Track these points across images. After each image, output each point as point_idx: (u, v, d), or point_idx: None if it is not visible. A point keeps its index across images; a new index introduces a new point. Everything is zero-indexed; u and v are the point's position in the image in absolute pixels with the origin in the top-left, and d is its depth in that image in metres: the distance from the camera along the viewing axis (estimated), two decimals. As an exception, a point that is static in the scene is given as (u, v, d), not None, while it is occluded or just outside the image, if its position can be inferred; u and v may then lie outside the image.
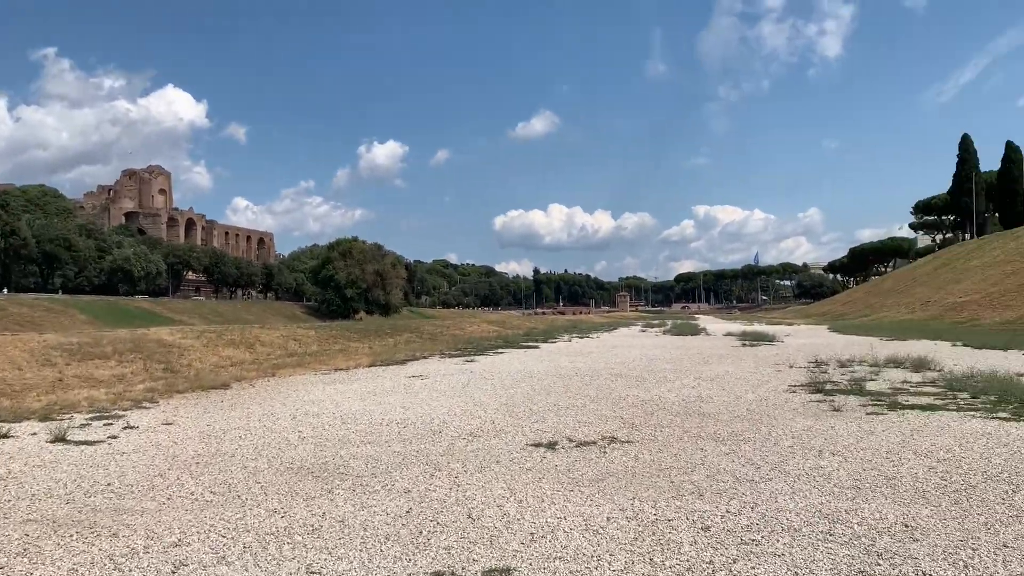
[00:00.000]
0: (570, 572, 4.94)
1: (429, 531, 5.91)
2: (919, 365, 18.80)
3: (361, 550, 5.52)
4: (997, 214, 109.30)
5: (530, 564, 5.10)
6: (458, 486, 7.32)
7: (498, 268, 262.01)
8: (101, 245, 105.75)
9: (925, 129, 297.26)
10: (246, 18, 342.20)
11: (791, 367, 19.99)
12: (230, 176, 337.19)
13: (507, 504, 6.60)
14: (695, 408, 12.31)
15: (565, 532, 5.76)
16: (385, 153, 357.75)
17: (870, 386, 14.73)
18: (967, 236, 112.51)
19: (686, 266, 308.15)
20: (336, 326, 37.17)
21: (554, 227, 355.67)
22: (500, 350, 29.11)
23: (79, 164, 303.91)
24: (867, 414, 11.29)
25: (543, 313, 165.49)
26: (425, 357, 25.05)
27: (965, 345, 28.87)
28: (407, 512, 6.46)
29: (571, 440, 9.61)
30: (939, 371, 17.78)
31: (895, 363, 19.70)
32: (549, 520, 6.08)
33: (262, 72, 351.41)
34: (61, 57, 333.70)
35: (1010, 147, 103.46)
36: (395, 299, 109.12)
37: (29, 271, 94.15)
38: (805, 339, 37.82)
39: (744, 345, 31.52)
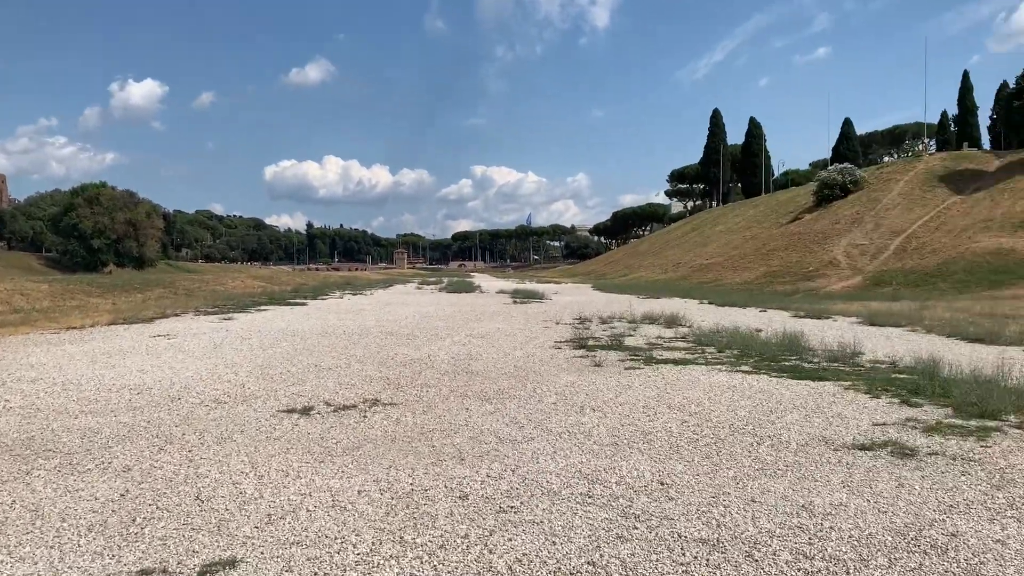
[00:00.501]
0: (307, 559, 4.31)
1: (145, 518, 5.00)
2: (671, 321, 19.99)
3: (53, 546, 4.53)
4: (740, 184, 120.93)
5: (261, 553, 4.40)
6: (190, 462, 6.39)
7: (268, 221, 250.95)
8: None
9: (682, 103, 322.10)
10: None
11: (558, 324, 20.48)
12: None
13: (245, 481, 5.81)
14: (464, 366, 12.04)
15: (308, 511, 5.11)
16: (141, 92, 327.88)
17: (628, 342, 15.32)
18: (714, 203, 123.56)
19: (463, 225, 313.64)
20: (76, 279, 33.18)
21: (329, 180, 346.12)
22: (264, 307, 27.40)
23: None
24: (625, 369, 11.60)
25: (316, 269, 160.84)
26: (177, 315, 22.90)
27: (711, 303, 31.41)
28: (121, 495, 5.48)
29: (329, 404, 8.90)
30: (689, 327, 18.99)
31: (651, 320, 20.82)
32: (292, 497, 5.39)
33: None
34: None
35: (752, 123, 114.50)
36: (150, 252, 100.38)
37: None
38: (571, 297, 39.40)
39: (515, 303, 32.15)
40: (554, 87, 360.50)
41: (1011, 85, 70.08)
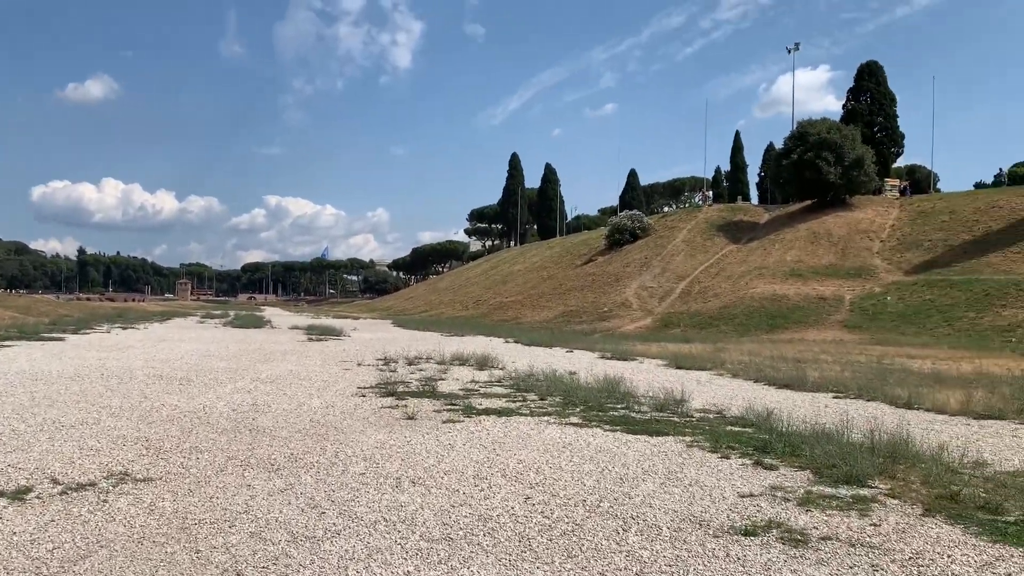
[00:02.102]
0: None
1: None
2: (483, 363, 18.80)
3: None
4: (536, 225, 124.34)
5: None
6: None
7: (33, 245, 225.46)
8: None
9: (482, 146, 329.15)
10: None
11: (359, 365, 18.62)
12: None
13: None
14: (248, 421, 9.96)
15: None
16: None
17: (442, 387, 13.85)
18: (512, 243, 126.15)
19: (255, 256, 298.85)
20: None
21: (107, 203, 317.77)
22: (8, 343, 23.09)
23: None
24: (443, 422, 10.09)
25: (87, 299, 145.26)
26: None
27: (517, 341, 30.75)
28: None
29: (57, 483, 6.60)
30: (502, 369, 17.89)
31: (461, 360, 19.52)
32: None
33: None
34: None
35: (548, 168, 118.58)
36: None
37: None
38: (372, 333, 37.39)
39: (311, 340, 29.71)
40: (355, 122, 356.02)
41: (778, 146, 77.23)
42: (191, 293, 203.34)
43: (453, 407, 11.41)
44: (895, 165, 69.67)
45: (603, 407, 11.46)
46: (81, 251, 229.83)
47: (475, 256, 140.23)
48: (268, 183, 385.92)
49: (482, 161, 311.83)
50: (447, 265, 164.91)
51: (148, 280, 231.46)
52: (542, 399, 12.42)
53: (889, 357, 23.07)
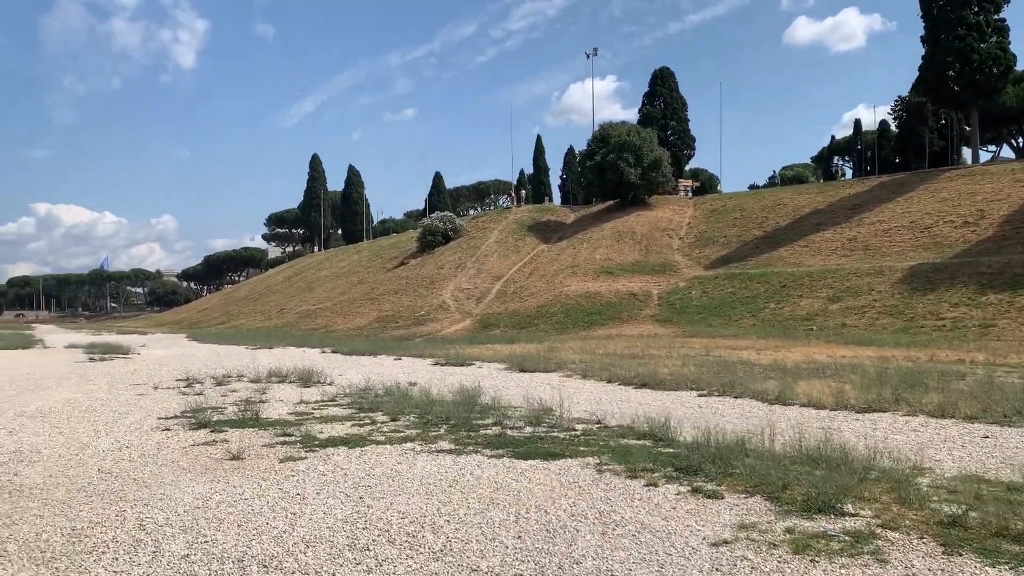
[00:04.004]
0: None
1: None
2: (307, 378, 16.49)
3: None
4: (340, 230, 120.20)
5: None
6: None
7: None
8: None
9: (276, 149, 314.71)
10: None
11: (156, 388, 15.65)
12: None
13: None
14: (6, 478, 7.23)
15: None
16: None
17: (266, 411, 11.51)
18: (316, 248, 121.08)
19: (23, 269, 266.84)
20: None
21: None
22: None
23: None
24: (281, 461, 7.94)
25: None
26: None
27: (335, 352, 28.32)
28: None
29: None
30: (331, 383, 15.74)
31: (279, 377, 17.07)
32: None
33: None
34: None
35: (352, 170, 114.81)
36: None
37: None
38: (165, 350, 33.26)
39: (92, 360, 25.56)
40: (134, 124, 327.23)
41: (577, 150, 79.09)
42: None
43: (288, 438, 9.24)
44: (687, 166, 73.56)
45: (470, 425, 9.76)
46: None
47: (275, 263, 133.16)
48: (36, 189, 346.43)
49: (278, 165, 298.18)
50: (244, 273, 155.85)
51: None
52: (393, 419, 10.50)
53: (713, 349, 23.22)
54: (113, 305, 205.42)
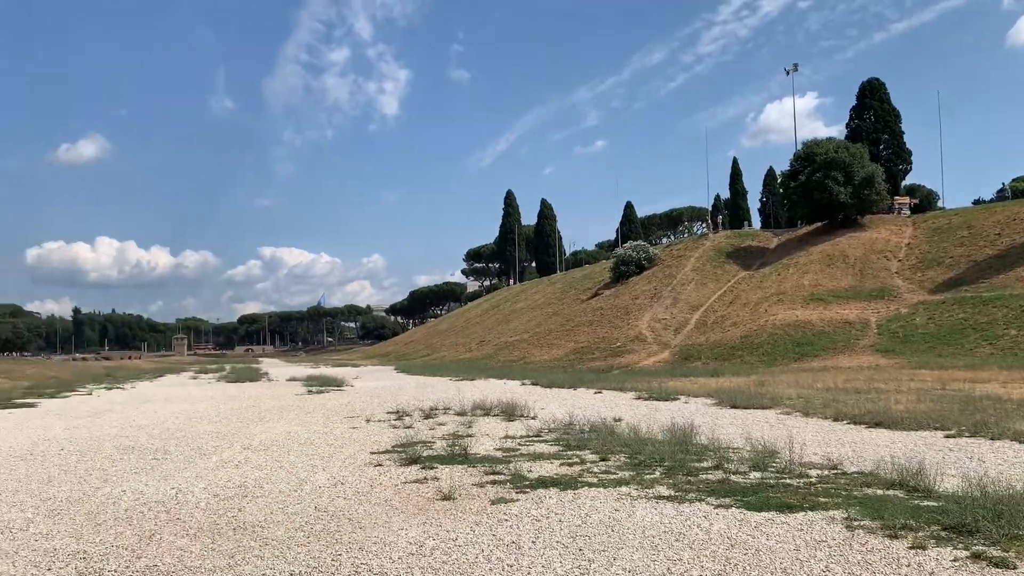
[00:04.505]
0: None
1: None
2: (510, 412, 16.32)
3: None
4: (534, 263, 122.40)
5: None
6: None
7: (29, 307, 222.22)
8: None
9: (473, 188, 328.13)
10: None
11: (368, 421, 16.11)
12: None
13: None
14: (232, 513, 7.43)
15: None
16: None
17: (473, 446, 11.35)
18: (511, 281, 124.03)
19: (251, 307, 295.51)
20: None
21: (102, 262, 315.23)
22: (-33, 413, 20.51)
23: None
24: (492, 502, 7.61)
25: (83, 358, 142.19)
26: None
27: (534, 384, 28.29)
28: None
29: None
30: (533, 418, 15.45)
31: (483, 409, 17.05)
32: None
33: None
34: None
35: (544, 204, 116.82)
36: None
37: None
38: (376, 382, 34.88)
39: (310, 392, 27.17)
40: (345, 171, 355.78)
41: (778, 171, 75.33)
42: (188, 348, 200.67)
43: (497, 477, 8.94)
44: (904, 183, 67.76)
45: (687, 467, 8.98)
46: (76, 311, 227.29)
47: (474, 296, 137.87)
48: (262, 235, 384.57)
49: (475, 202, 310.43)
50: (446, 307, 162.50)
51: (144, 337, 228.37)
52: (603, 459, 9.92)
53: (949, 382, 20.71)
54: (329, 339, 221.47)
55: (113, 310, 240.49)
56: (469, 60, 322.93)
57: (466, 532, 6.47)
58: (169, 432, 14.90)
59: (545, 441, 11.97)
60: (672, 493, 7.71)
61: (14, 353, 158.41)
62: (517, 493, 8.04)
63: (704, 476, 8.52)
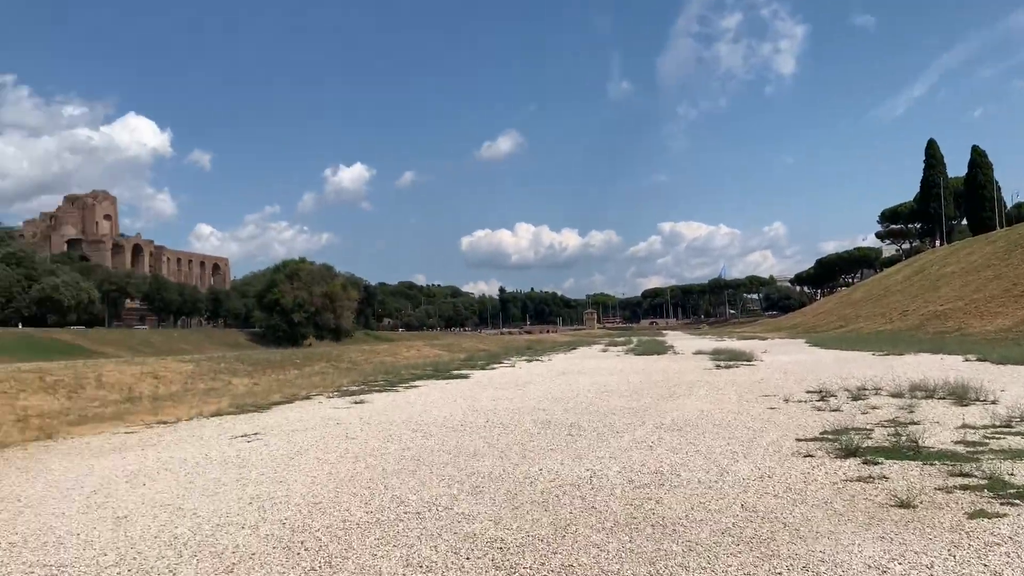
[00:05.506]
0: None
1: None
2: (960, 394, 13.60)
3: None
4: (965, 220, 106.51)
5: None
6: None
7: (465, 288, 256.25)
8: (31, 274, 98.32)
9: (883, 142, 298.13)
10: (210, 45, 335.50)
11: (786, 401, 14.66)
12: (193, 202, 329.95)
13: None
14: (649, 505, 6.78)
15: None
16: (351, 176, 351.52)
17: (925, 438, 9.37)
18: (937, 243, 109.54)
19: (653, 282, 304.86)
20: (234, 357, 31.31)
21: (521, 246, 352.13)
22: (418, 382, 23.39)
23: (39, 194, 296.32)
24: (969, 516, 5.92)
25: (510, 333, 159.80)
26: (308, 397, 19.22)
27: (980, 359, 23.94)
28: None
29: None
30: (994, 402, 12.64)
31: (924, 391, 14.51)
32: None
33: (226, 97, 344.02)
34: (20, 85, 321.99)
35: (976, 151, 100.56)
36: (346, 323, 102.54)
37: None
38: (786, 356, 32.73)
39: (718, 367, 26.24)
40: (740, 138, 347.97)
41: None
42: (597, 322, 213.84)
43: (967, 480, 7.08)
44: None
45: None
46: (502, 290, 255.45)
47: (890, 262, 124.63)
48: (661, 210, 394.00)
49: (886, 158, 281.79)
50: (857, 275, 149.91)
51: (559, 312, 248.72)
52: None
53: None
54: (731, 311, 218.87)
55: (532, 288, 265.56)
56: (874, 3, 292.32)
57: (943, 558, 4.98)
58: (582, 406, 15.11)
59: (1020, 434, 9.51)
60: None
61: (455, 329, 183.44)
62: (1001, 504, 6.20)
63: None
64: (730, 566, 5.01)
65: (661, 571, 4.95)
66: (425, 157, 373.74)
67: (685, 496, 7.05)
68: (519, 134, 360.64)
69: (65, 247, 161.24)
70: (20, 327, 78.13)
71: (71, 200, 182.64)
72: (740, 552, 5.29)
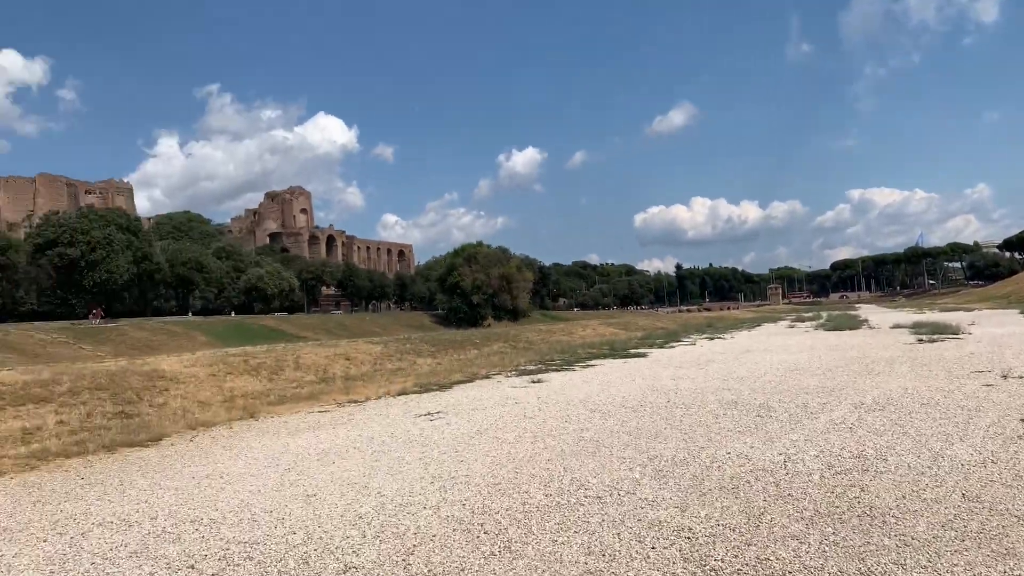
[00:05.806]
0: None
1: None
2: None
3: None
4: None
5: None
6: None
7: (640, 266, 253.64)
8: (238, 265, 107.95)
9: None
10: (384, 45, 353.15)
11: (1004, 377, 13.14)
12: (379, 194, 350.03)
13: None
14: (853, 493, 6.16)
15: None
16: (524, 160, 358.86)
17: None
18: None
19: (842, 253, 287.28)
20: (419, 338, 32.55)
21: (697, 221, 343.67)
22: (595, 361, 23.20)
23: (244, 192, 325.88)
24: None
25: (688, 310, 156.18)
26: (487, 376, 19.57)
27: None
28: None
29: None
30: None
31: None
32: None
33: (403, 94, 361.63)
34: (224, 93, 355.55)
35: None
36: (522, 303, 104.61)
37: (167, 295, 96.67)
38: (999, 328, 29.61)
39: (920, 341, 24.11)
40: (936, 95, 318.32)
41: None
42: (782, 297, 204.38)
43: None
44: None
45: None
46: (678, 267, 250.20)
47: None
48: (849, 177, 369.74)
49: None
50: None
51: (739, 288, 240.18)
52: None
53: None
54: (931, 282, 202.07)
55: (710, 264, 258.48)
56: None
57: None
58: (771, 386, 14.28)
59: None
60: None
61: (630, 307, 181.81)
62: None
63: None
64: (955, 565, 4.40)
65: (872, 569, 4.43)
66: (595, 136, 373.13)
67: (894, 483, 6.37)
68: (692, 106, 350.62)
69: (267, 240, 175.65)
70: (232, 315, 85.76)
71: (271, 196, 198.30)
72: (966, 549, 4.65)
